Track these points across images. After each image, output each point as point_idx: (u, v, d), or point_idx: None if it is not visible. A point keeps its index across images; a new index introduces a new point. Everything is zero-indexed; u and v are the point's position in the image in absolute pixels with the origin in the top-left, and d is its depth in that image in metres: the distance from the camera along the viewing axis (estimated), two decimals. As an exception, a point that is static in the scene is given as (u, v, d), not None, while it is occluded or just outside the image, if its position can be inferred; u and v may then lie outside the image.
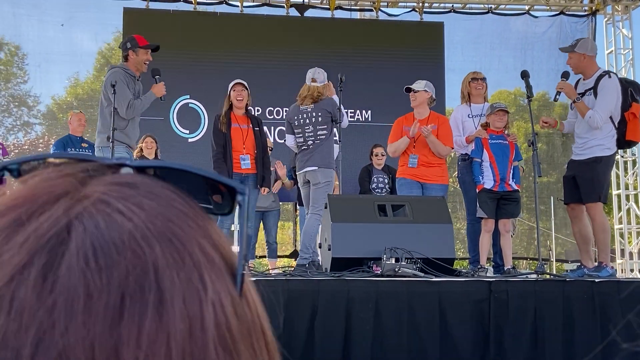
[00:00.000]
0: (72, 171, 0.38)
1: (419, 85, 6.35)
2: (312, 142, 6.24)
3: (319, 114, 6.24)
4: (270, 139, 9.30)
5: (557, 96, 6.11)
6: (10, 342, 0.32)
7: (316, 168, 6.17)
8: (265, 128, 9.39)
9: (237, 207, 0.42)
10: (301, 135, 6.30)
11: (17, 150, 11.32)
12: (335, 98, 6.40)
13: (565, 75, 6.01)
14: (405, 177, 6.28)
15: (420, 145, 6.24)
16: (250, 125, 6.36)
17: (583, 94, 5.91)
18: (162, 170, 0.41)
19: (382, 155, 8.01)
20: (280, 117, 9.55)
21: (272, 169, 7.05)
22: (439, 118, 6.40)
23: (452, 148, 6.48)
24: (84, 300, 0.33)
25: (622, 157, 10.63)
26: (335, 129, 6.35)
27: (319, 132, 6.23)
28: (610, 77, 5.84)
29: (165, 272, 0.35)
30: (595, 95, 5.79)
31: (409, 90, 6.36)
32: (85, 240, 0.34)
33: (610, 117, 5.79)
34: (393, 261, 4.80)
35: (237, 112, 6.39)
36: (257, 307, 0.40)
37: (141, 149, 7.93)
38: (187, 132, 9.42)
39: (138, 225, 0.36)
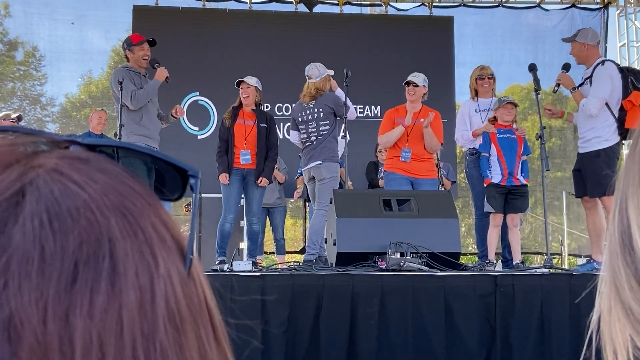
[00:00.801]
0: (22, 142, 0.39)
1: (419, 79, 6.31)
2: (315, 137, 6.26)
3: (320, 109, 6.27)
4: (280, 135, 9.32)
5: (557, 87, 6.10)
6: None
7: (320, 162, 6.18)
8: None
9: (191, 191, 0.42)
10: (305, 131, 6.33)
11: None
12: (340, 92, 6.39)
13: (566, 67, 5.98)
14: (395, 172, 6.21)
15: (414, 140, 6.21)
16: (256, 122, 6.37)
17: (582, 84, 5.88)
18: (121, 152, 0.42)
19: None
20: (289, 113, 9.56)
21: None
22: (430, 112, 6.37)
23: (442, 144, 6.48)
24: (38, 263, 0.33)
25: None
26: (343, 124, 6.36)
27: (321, 128, 6.25)
28: (603, 64, 5.81)
29: (119, 243, 0.35)
30: (592, 83, 5.77)
31: (409, 83, 6.32)
32: (40, 205, 0.34)
33: (608, 106, 5.75)
34: (398, 256, 4.79)
35: (246, 108, 6.42)
36: (204, 289, 0.40)
37: None
38: (197, 128, 9.45)
39: (93, 197, 0.36)
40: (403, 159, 6.19)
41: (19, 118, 7.73)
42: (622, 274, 0.57)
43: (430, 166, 6.35)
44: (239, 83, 6.41)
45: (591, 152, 5.77)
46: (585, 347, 0.65)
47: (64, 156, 0.38)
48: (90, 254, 0.34)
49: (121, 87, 5.79)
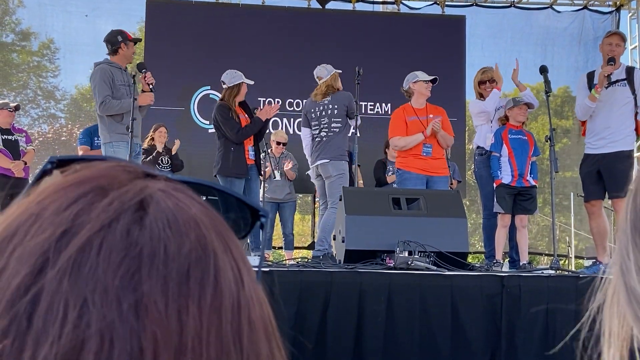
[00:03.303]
0: (131, 167, 0.46)
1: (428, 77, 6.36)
2: (325, 134, 6.31)
3: (335, 106, 6.31)
4: (290, 131, 9.35)
5: (607, 85, 5.82)
6: (101, 278, 0.38)
7: (327, 161, 6.24)
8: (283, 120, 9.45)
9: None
10: (317, 127, 6.39)
11: (41, 138, 11.47)
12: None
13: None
14: (411, 171, 6.21)
15: (432, 136, 6.25)
16: (247, 116, 6.45)
17: (609, 84, 5.86)
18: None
19: None
20: (300, 108, 9.58)
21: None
22: (437, 109, 6.39)
23: (453, 137, 6.51)
24: (163, 257, 0.40)
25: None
26: (352, 124, 6.42)
27: (332, 125, 6.30)
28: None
29: (220, 256, 0.42)
30: (632, 85, 5.78)
31: (434, 80, 6.34)
32: (161, 212, 0.42)
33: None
34: (406, 254, 4.81)
35: (237, 104, 6.48)
36: (268, 308, 0.48)
37: (152, 138, 8.06)
38: (208, 122, 9.47)
39: (197, 215, 0.43)
40: (425, 154, 6.19)
41: (17, 107, 7.77)
42: (630, 257, 0.60)
43: (443, 163, 6.38)
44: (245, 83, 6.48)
45: (623, 151, 5.78)
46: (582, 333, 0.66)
47: (166, 183, 0.46)
48: (199, 258, 0.41)
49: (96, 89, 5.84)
